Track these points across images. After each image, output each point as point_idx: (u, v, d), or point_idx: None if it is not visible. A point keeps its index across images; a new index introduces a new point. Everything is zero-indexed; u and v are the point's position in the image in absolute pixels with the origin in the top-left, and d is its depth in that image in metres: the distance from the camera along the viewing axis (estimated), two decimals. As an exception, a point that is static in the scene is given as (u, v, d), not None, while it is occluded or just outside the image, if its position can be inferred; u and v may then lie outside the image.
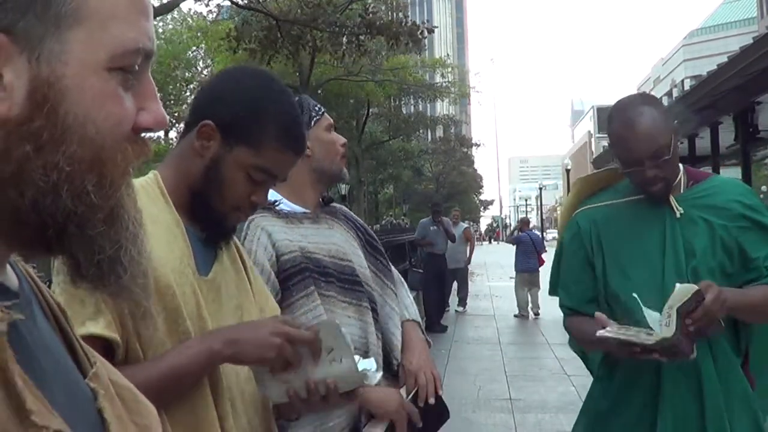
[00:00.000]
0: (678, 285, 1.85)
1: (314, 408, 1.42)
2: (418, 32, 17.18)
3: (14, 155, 0.52)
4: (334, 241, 2.00)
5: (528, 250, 12.83)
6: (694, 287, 1.82)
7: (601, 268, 2.15)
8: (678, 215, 2.07)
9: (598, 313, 1.98)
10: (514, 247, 13.37)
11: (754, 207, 2.08)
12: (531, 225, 15.39)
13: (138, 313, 1.15)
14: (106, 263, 0.58)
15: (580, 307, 2.20)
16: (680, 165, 2.15)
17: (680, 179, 2.12)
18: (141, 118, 0.60)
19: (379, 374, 1.49)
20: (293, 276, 1.82)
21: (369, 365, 1.46)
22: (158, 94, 0.63)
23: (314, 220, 1.98)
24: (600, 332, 1.90)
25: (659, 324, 1.84)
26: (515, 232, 14.33)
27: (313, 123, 1.97)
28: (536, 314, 12.62)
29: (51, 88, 0.53)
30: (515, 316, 12.72)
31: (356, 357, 1.45)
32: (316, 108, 2.01)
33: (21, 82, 0.52)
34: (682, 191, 2.12)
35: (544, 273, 11.46)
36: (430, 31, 18.09)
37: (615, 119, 2.09)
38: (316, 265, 1.87)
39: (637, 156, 2.02)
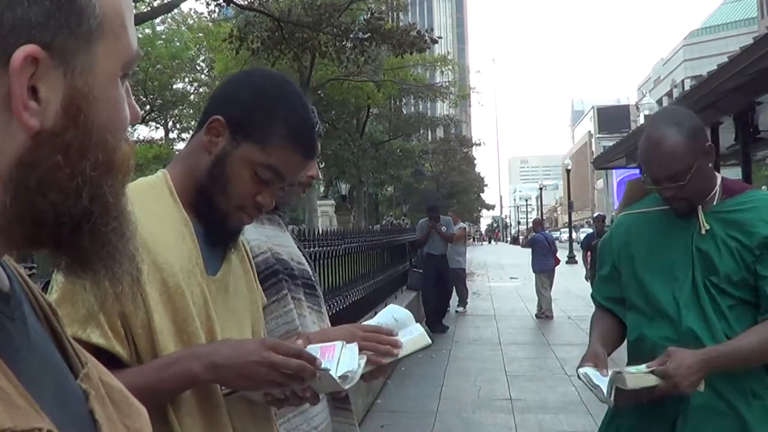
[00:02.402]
0: (638, 373, 1.87)
1: (294, 406, 1.42)
2: (422, 42, 17.21)
3: (44, 164, 0.54)
4: (291, 244, 1.96)
5: (544, 251, 12.81)
6: (651, 383, 1.84)
7: (624, 274, 2.21)
8: (704, 231, 2.05)
9: (594, 350, 2.07)
10: (530, 249, 13.35)
11: None
12: (529, 226, 15.46)
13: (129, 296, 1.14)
14: (116, 254, 0.60)
15: (604, 302, 2.32)
16: (718, 176, 2.13)
17: (715, 191, 2.09)
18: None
19: (363, 361, 1.46)
20: (267, 279, 1.76)
21: (350, 360, 1.44)
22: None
23: (272, 221, 1.95)
24: (580, 369, 1.99)
25: (608, 387, 1.87)
26: (530, 234, 14.33)
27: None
28: (550, 315, 12.52)
29: (85, 99, 0.56)
30: (536, 316, 12.61)
31: (337, 346, 1.45)
32: (319, 125, 1.97)
33: (56, 95, 0.54)
34: (714, 203, 2.09)
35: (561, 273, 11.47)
36: (434, 41, 18.12)
37: (645, 132, 2.09)
38: (284, 267, 1.83)
39: (654, 177, 2.06)
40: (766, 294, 1.96)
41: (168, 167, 1.43)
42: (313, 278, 1.97)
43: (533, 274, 13.13)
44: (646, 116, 20.83)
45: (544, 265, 12.79)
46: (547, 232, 14.12)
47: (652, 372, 1.86)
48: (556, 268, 13.03)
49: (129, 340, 1.21)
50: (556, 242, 14.13)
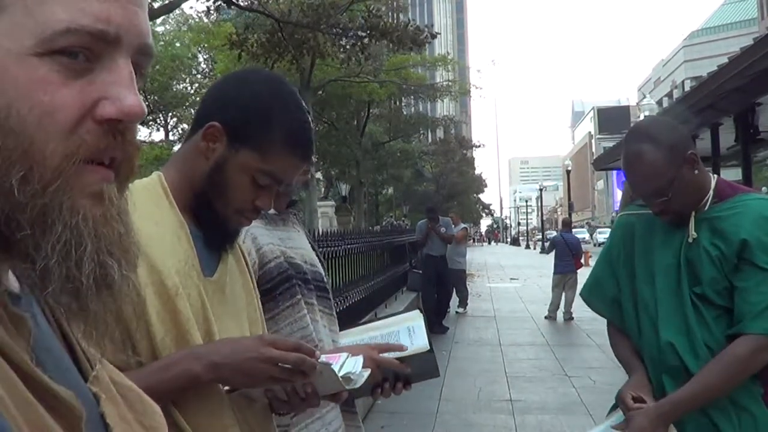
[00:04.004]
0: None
1: (296, 408, 1.42)
2: (422, 36, 17.25)
3: None
4: (303, 245, 1.95)
5: (562, 252, 12.73)
6: None
7: (620, 277, 2.17)
8: (690, 240, 1.99)
9: (638, 380, 2.06)
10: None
11: (758, 241, 1.90)
12: (529, 227, 15.33)
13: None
14: (40, 274, 0.53)
15: (589, 304, 2.31)
16: (713, 178, 2.06)
17: (708, 196, 2.01)
18: (102, 108, 0.55)
19: (367, 372, 1.46)
20: (280, 284, 1.75)
21: (354, 365, 1.45)
22: (136, 85, 0.57)
23: (285, 223, 1.93)
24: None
25: None
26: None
27: None
28: (568, 318, 12.34)
29: None
30: (545, 317, 12.61)
31: (343, 355, 1.45)
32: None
33: None
34: (706, 209, 2.01)
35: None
36: (433, 36, 18.16)
37: (623, 148, 2.05)
38: (297, 271, 1.82)
39: (637, 194, 2.06)
40: (737, 307, 1.91)
41: (162, 169, 1.42)
42: (325, 279, 1.96)
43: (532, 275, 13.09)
44: (646, 117, 20.79)
45: (558, 267, 12.73)
46: (571, 233, 13.73)
47: None
48: (579, 270, 12.70)
49: (128, 343, 1.21)
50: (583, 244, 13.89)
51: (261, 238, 1.77)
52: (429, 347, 1.70)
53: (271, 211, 1.79)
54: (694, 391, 1.90)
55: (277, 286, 1.74)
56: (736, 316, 1.91)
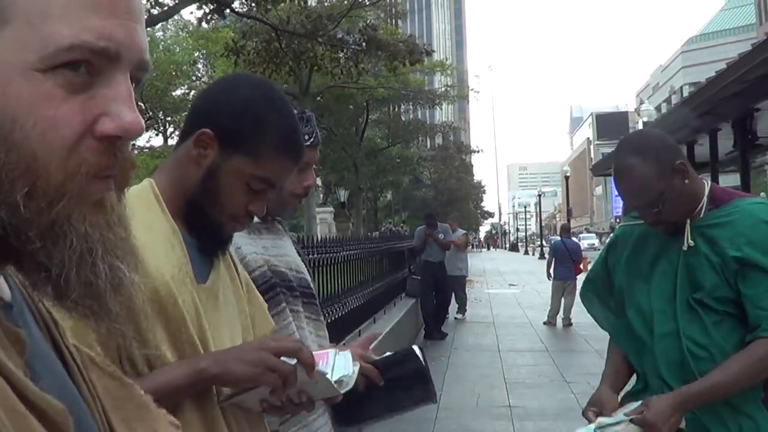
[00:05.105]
0: (618, 427, 1.92)
1: (290, 413, 1.42)
2: (417, 52, 17.44)
3: None
4: (289, 252, 1.94)
5: (562, 258, 12.73)
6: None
7: (619, 286, 2.19)
8: (686, 248, 1.99)
9: (599, 397, 2.10)
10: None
11: (759, 246, 1.90)
12: (528, 233, 15.34)
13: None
14: (55, 281, 0.54)
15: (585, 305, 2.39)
16: (707, 185, 2.05)
17: (702, 203, 2.01)
18: (102, 125, 0.55)
19: (357, 367, 1.47)
20: (264, 293, 1.74)
21: (345, 364, 1.45)
22: (135, 99, 0.58)
23: (270, 230, 1.92)
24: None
25: None
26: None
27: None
28: (567, 324, 12.30)
29: None
30: (544, 323, 12.60)
31: (330, 352, 1.45)
32: (317, 134, 1.91)
33: None
34: (701, 216, 2.01)
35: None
36: (429, 53, 18.33)
37: (613, 162, 2.06)
38: (282, 279, 1.82)
39: (628, 207, 2.09)
40: (750, 314, 1.90)
41: (154, 176, 1.42)
42: (311, 285, 1.96)
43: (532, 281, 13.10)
44: (645, 123, 20.85)
45: (558, 272, 12.73)
46: (571, 239, 13.75)
47: (631, 421, 1.91)
48: (579, 276, 12.73)
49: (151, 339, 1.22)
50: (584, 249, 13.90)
51: (244, 248, 1.76)
52: (412, 349, 1.70)
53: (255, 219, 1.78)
54: (713, 384, 1.89)
55: (261, 295, 1.72)
56: (750, 323, 1.90)
